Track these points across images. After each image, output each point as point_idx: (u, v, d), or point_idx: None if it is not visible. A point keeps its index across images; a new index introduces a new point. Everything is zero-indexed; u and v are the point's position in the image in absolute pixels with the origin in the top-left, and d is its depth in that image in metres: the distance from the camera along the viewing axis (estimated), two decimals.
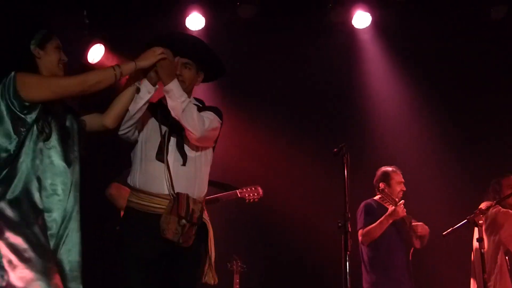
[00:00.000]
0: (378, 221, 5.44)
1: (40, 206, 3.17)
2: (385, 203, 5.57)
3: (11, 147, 3.16)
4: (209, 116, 3.78)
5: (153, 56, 3.54)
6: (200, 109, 3.80)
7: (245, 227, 6.76)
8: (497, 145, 6.89)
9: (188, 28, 6.70)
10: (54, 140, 3.28)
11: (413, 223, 5.60)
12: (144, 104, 3.61)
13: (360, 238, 5.54)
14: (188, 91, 3.82)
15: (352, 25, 6.80)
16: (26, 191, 3.15)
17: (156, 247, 3.63)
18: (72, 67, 6.34)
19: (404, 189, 5.69)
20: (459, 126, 7.02)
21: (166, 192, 3.65)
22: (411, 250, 5.68)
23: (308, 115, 7.16)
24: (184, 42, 3.88)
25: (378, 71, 7.12)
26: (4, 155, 3.16)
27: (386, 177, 5.69)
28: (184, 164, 3.74)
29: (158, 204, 3.65)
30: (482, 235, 4.91)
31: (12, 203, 3.11)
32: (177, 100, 3.59)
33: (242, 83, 7.08)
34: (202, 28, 6.74)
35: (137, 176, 3.74)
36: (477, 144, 6.96)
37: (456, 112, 7.06)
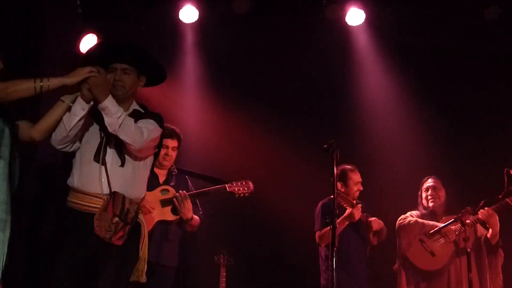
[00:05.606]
0: None
1: None
2: (342, 203, 5.45)
3: None
4: (148, 126, 3.78)
5: (80, 74, 3.52)
6: (141, 116, 3.82)
7: (234, 221, 6.76)
8: (486, 143, 6.92)
9: (181, 21, 6.69)
10: None
11: (369, 220, 5.64)
12: (79, 120, 3.61)
13: (317, 239, 5.52)
14: (129, 95, 3.86)
15: (346, 22, 6.80)
16: None
17: (88, 245, 3.63)
18: (64, 56, 6.38)
19: (361, 188, 5.66)
20: (450, 124, 7.06)
21: (103, 192, 3.68)
22: (368, 247, 5.72)
23: (300, 111, 7.18)
24: (122, 49, 3.90)
25: (371, 68, 7.13)
26: None
27: (343, 176, 5.61)
28: (122, 165, 3.76)
29: (95, 204, 3.67)
30: (468, 235, 4.95)
31: None
32: (113, 116, 3.60)
33: (234, 78, 7.08)
34: (196, 21, 6.70)
35: (75, 177, 3.76)
36: (467, 141, 7.00)
37: (447, 110, 7.09)
